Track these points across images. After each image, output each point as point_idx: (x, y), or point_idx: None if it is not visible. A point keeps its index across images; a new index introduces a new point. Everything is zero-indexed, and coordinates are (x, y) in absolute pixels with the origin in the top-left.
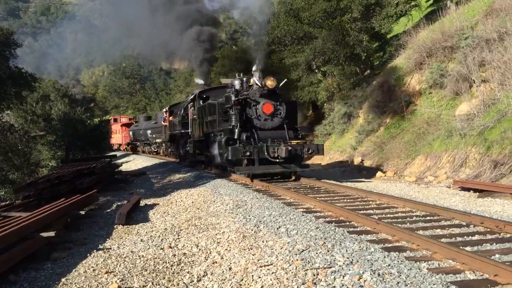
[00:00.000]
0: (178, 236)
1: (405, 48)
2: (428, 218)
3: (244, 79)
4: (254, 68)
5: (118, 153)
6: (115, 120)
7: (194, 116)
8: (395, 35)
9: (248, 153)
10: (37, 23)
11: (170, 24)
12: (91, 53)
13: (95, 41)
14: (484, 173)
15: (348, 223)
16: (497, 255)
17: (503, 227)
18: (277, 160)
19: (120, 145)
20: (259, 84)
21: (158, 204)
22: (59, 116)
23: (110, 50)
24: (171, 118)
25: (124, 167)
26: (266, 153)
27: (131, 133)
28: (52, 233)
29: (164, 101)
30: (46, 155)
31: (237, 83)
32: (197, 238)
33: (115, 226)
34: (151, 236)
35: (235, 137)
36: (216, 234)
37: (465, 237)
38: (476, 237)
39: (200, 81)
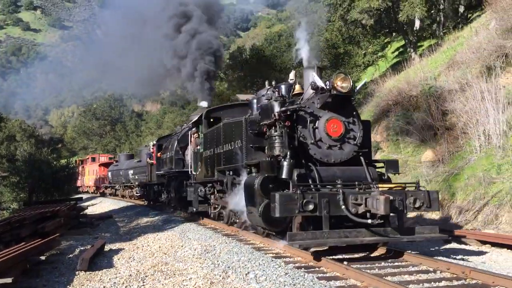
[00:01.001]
0: (143, 282)
1: (373, 96)
2: (396, 264)
3: (292, 80)
4: (305, 62)
5: (84, 196)
6: (93, 159)
7: (198, 148)
8: (363, 84)
9: (311, 206)
10: (7, 63)
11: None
12: (61, 94)
13: (66, 82)
14: (450, 219)
15: (317, 269)
16: None
17: (469, 273)
18: (368, 221)
19: (96, 188)
20: (320, 85)
21: (123, 249)
22: (24, 157)
23: (81, 91)
24: (159, 154)
25: (90, 210)
26: (343, 207)
27: (109, 174)
28: (9, 280)
29: (134, 143)
30: (8, 197)
31: (284, 88)
32: (163, 285)
33: (76, 272)
34: (114, 283)
35: (284, 176)
36: (183, 280)
37: (432, 283)
38: (443, 283)
39: (203, 103)
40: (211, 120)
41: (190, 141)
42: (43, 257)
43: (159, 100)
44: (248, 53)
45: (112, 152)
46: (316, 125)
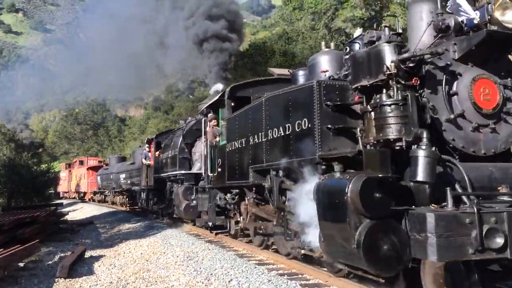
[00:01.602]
0: None
1: None
2: None
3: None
4: None
5: (65, 201)
6: (81, 162)
7: (217, 140)
8: None
9: (499, 241)
10: None
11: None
12: (43, 98)
13: (48, 85)
14: None
15: (300, 276)
16: None
17: None
18: None
19: (84, 193)
20: (468, 15)
21: (104, 255)
22: (3, 162)
23: (63, 95)
24: (157, 153)
25: (70, 216)
26: None
27: (99, 178)
28: None
29: (117, 148)
30: None
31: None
32: None
33: (56, 280)
34: None
35: (421, 178)
36: (165, 287)
37: None
38: None
39: (218, 86)
40: (241, 97)
41: (205, 132)
42: (21, 264)
43: (142, 105)
44: (233, 59)
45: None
46: (455, 88)
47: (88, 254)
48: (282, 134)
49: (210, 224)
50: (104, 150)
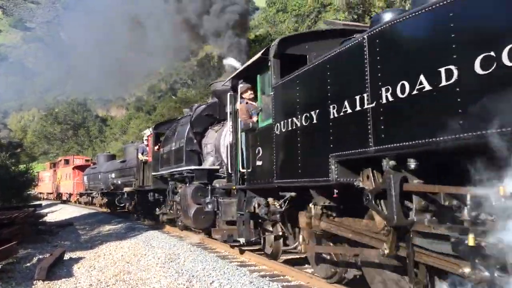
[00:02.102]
0: None
1: None
2: None
3: None
4: None
5: (43, 202)
6: (66, 161)
7: (254, 120)
8: None
9: None
10: None
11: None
12: (22, 97)
13: (28, 84)
14: None
15: (282, 277)
16: None
17: None
18: None
19: (70, 195)
20: None
21: (84, 257)
22: None
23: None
24: (157, 147)
25: (49, 217)
26: None
27: (85, 178)
28: None
29: (98, 149)
30: None
31: None
32: None
33: (34, 282)
34: None
35: None
36: None
37: None
38: None
39: (231, 62)
40: (285, 62)
41: (232, 112)
42: None
43: (124, 105)
44: (216, 60)
45: None
46: None
47: (67, 256)
48: (427, 87)
49: (242, 240)
50: (84, 150)
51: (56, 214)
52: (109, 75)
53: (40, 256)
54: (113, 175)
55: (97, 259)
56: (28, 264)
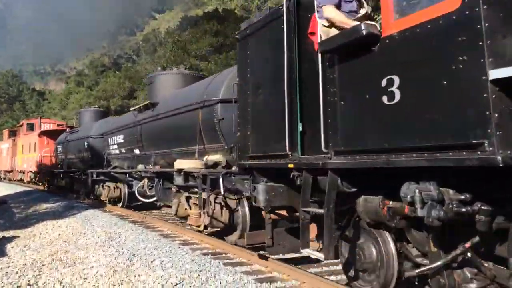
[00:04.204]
0: (39, 272)
1: None
2: None
3: None
4: None
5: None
6: (30, 126)
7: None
8: None
9: None
10: None
11: None
12: None
13: None
14: None
15: (224, 255)
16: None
17: None
18: None
19: (35, 174)
20: None
21: (18, 236)
22: None
23: None
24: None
25: None
26: None
27: (60, 149)
28: None
29: None
30: None
31: None
32: (61, 274)
33: None
34: (6, 272)
35: None
36: (84, 269)
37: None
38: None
39: None
40: None
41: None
42: None
43: (64, 79)
44: (163, 36)
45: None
46: None
47: (0, 235)
48: None
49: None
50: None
51: None
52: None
53: None
54: (120, 140)
55: (32, 238)
56: None
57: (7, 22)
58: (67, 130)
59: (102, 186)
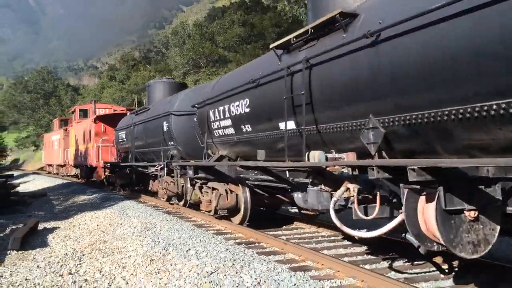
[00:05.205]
0: (80, 261)
1: None
2: (332, 238)
3: None
4: None
5: (15, 172)
6: (83, 112)
7: None
8: None
9: None
10: None
11: None
12: None
13: None
14: None
15: (257, 244)
16: (392, 273)
17: None
18: None
19: (92, 169)
20: None
21: (59, 227)
22: None
23: (10, 62)
24: None
25: (22, 188)
26: None
27: (122, 135)
28: None
29: None
30: None
31: None
32: (100, 263)
33: (8, 252)
34: (49, 262)
35: None
36: (122, 258)
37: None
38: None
39: None
40: None
41: None
42: None
43: (97, 74)
44: (191, 28)
45: (46, 128)
46: None
47: (41, 226)
48: None
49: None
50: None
51: (29, 184)
52: (81, 41)
53: (14, 227)
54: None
55: (72, 229)
56: (1, 235)
57: (39, 19)
58: (133, 113)
59: (200, 188)
